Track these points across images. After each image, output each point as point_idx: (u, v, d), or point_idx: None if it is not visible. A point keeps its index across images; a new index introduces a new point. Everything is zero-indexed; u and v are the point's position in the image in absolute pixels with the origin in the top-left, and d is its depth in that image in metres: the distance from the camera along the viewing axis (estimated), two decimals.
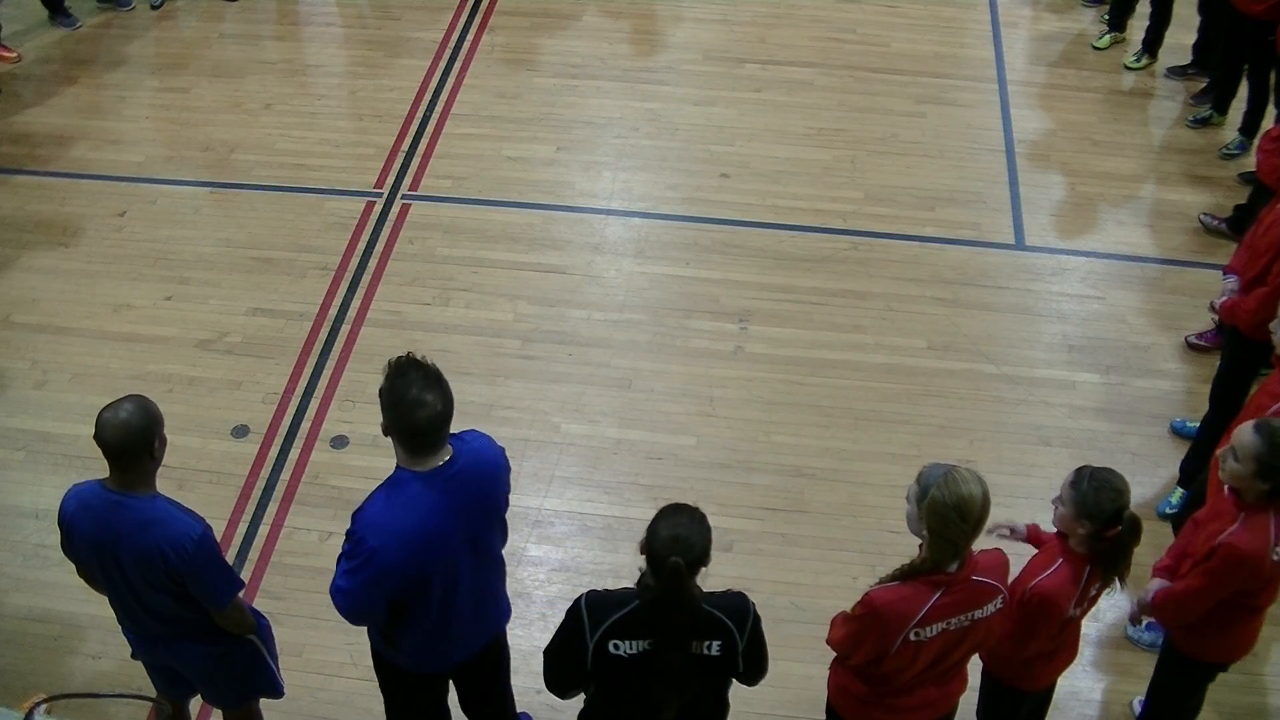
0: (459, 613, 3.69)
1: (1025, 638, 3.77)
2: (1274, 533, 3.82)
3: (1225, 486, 3.99)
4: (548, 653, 3.48)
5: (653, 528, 3.26)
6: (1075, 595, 3.68)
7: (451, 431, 3.49)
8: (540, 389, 6.02)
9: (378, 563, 3.39)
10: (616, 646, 3.29)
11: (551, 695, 4.92)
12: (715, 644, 3.32)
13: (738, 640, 3.34)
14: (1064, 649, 3.96)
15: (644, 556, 3.28)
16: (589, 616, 3.32)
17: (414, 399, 3.29)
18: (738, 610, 3.37)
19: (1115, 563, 3.63)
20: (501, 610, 3.99)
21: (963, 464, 3.44)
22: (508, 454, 3.76)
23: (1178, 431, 5.79)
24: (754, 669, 3.45)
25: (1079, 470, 3.65)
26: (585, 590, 3.42)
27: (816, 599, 4.60)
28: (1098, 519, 3.56)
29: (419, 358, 3.42)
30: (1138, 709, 4.74)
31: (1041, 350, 6.22)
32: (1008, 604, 3.72)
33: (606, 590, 3.41)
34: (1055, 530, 3.80)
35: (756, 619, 3.40)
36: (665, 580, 3.19)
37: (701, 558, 3.23)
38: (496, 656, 4.11)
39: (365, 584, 3.43)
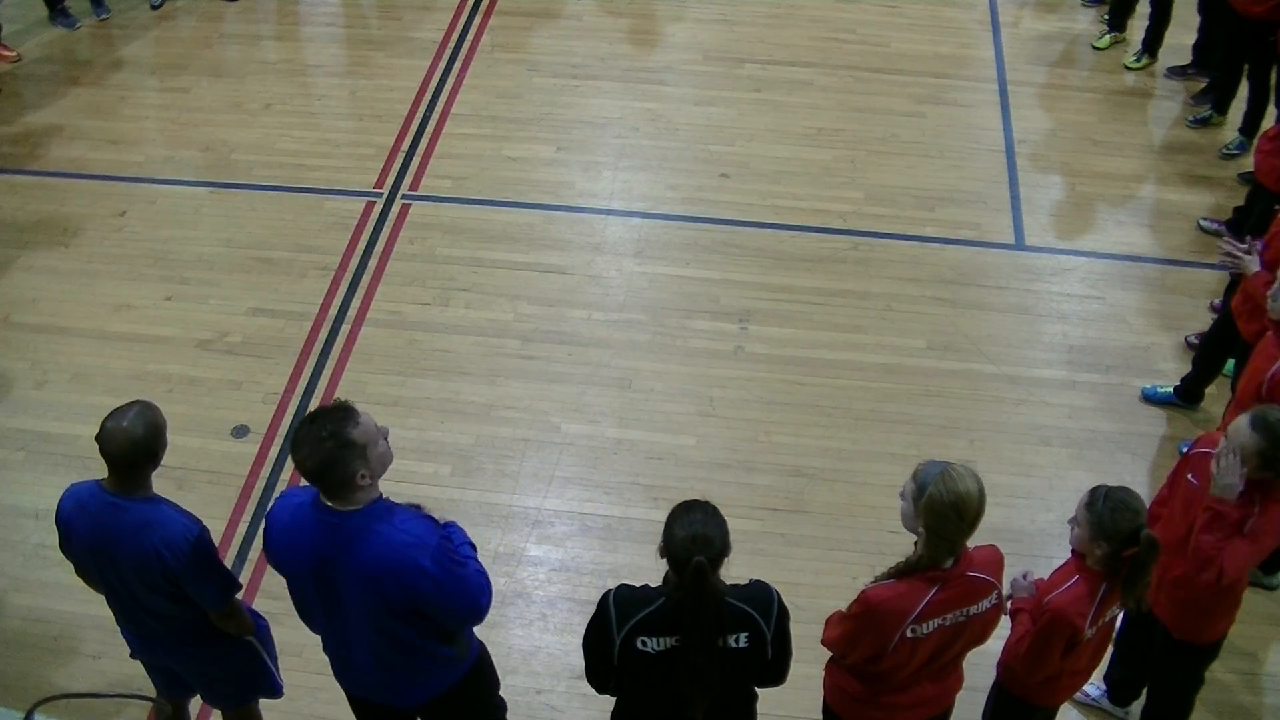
0: (347, 648, 3.62)
1: (1039, 656, 3.71)
2: None
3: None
4: (583, 645, 3.49)
5: (669, 530, 3.25)
6: (1090, 614, 3.62)
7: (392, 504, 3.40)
8: (540, 389, 6.02)
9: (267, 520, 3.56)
10: (644, 643, 3.30)
11: (552, 695, 4.92)
12: (743, 636, 3.32)
13: (765, 630, 3.34)
14: (1081, 672, 3.93)
15: (664, 560, 3.27)
16: (616, 612, 3.32)
17: (300, 455, 3.26)
18: (762, 600, 3.37)
19: (1134, 582, 3.59)
20: (418, 690, 3.71)
21: (961, 463, 3.43)
22: (508, 455, 3.72)
23: (1149, 398, 5.92)
24: (779, 661, 3.45)
25: (1094, 491, 3.62)
26: (612, 586, 3.42)
27: (816, 599, 4.59)
28: (1115, 539, 3.52)
29: (340, 410, 3.28)
30: (1093, 693, 4.76)
31: (1041, 350, 6.22)
32: (1026, 624, 3.71)
33: (635, 586, 3.41)
34: (1071, 551, 3.76)
35: (782, 606, 3.40)
36: (690, 580, 3.19)
37: (722, 552, 3.24)
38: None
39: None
